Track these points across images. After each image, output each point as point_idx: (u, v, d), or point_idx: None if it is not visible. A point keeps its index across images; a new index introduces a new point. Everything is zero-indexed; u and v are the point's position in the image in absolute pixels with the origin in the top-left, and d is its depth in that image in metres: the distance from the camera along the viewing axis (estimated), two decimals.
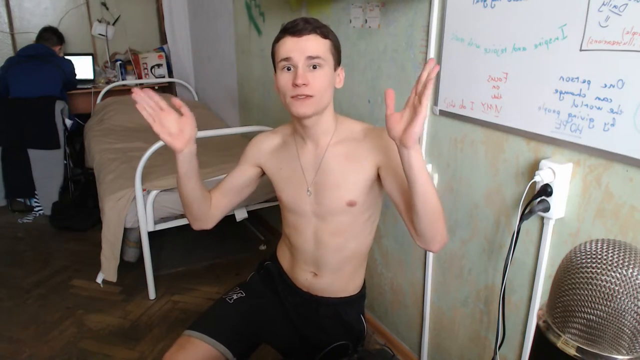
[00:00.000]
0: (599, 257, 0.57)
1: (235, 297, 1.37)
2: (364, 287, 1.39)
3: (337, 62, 1.17)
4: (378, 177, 1.18)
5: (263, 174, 1.34)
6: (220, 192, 1.32)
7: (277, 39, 1.13)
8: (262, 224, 3.09)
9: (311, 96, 1.10)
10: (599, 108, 1.05)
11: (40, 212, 3.30)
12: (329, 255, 1.27)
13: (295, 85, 1.08)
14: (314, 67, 1.10)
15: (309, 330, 1.35)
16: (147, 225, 2.21)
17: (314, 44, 1.09)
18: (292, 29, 1.10)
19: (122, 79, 4.03)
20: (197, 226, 1.32)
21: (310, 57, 1.09)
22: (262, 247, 2.84)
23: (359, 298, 1.38)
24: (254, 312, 1.35)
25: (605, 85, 1.03)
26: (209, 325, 1.29)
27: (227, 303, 1.36)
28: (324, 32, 1.12)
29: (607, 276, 0.56)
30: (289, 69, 1.10)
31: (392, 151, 1.11)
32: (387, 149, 1.15)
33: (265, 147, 1.31)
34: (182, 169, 1.16)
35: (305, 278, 1.32)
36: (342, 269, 1.30)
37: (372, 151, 1.17)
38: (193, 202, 1.25)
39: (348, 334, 1.35)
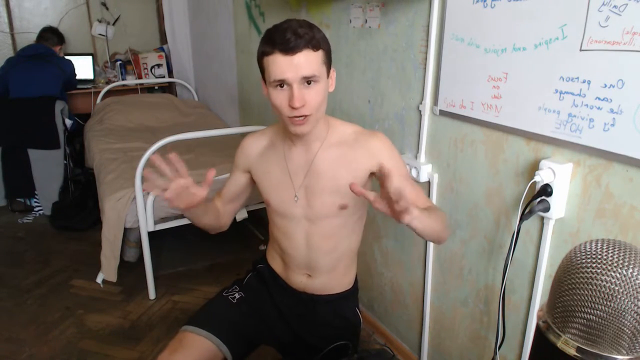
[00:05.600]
0: (599, 257, 0.57)
1: (237, 296, 1.37)
2: (356, 280, 1.40)
3: (330, 65, 1.11)
4: (368, 180, 1.21)
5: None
6: (223, 201, 1.37)
7: (266, 52, 1.05)
8: (262, 224, 3.09)
9: (309, 115, 1.08)
10: (599, 108, 1.05)
11: (40, 212, 3.30)
12: (321, 258, 1.27)
13: (292, 107, 1.05)
14: (309, 82, 1.06)
15: (306, 329, 1.35)
16: (147, 225, 2.21)
17: (307, 62, 1.03)
18: (282, 45, 1.02)
19: (122, 79, 4.03)
20: (214, 232, 1.38)
21: (305, 77, 1.04)
22: (262, 247, 2.84)
23: (354, 292, 1.39)
24: (253, 313, 1.35)
25: (605, 85, 1.03)
26: (212, 323, 1.28)
27: (230, 302, 1.35)
28: (315, 43, 1.04)
29: (607, 276, 0.56)
30: (282, 86, 1.06)
31: (384, 156, 1.17)
32: (379, 154, 1.17)
33: (252, 151, 1.29)
34: (191, 215, 1.21)
35: (299, 280, 1.32)
36: (335, 268, 1.31)
37: (364, 156, 1.18)
38: (206, 225, 1.32)
39: (345, 330, 1.36)
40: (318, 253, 1.26)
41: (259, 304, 1.37)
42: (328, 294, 1.33)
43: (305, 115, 1.07)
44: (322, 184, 1.19)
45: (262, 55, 1.07)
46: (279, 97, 1.07)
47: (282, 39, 1.02)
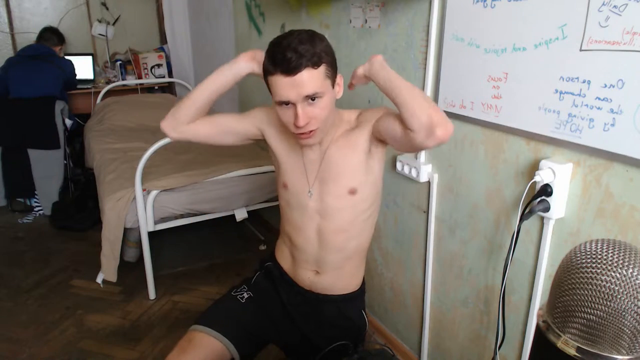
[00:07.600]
0: (599, 257, 0.57)
1: (246, 296, 1.37)
2: (363, 282, 1.41)
3: (335, 74, 1.12)
4: (370, 152, 1.21)
5: (258, 140, 1.32)
6: (208, 120, 1.30)
7: (269, 72, 1.06)
8: (262, 224, 3.09)
9: (315, 129, 1.11)
10: (599, 108, 1.05)
11: (40, 212, 3.30)
12: (331, 254, 1.28)
13: (297, 126, 1.08)
14: (313, 99, 1.07)
15: (311, 328, 1.35)
16: (147, 225, 2.21)
17: (309, 81, 1.03)
18: (283, 67, 1.02)
19: (122, 79, 4.03)
20: (165, 125, 1.27)
21: (308, 96, 1.05)
22: (262, 247, 2.84)
23: (360, 294, 1.40)
24: (261, 313, 1.36)
25: (605, 85, 1.03)
26: (221, 323, 1.29)
27: (239, 302, 1.36)
28: (317, 60, 1.03)
29: (607, 276, 0.56)
30: (287, 104, 1.07)
31: (372, 112, 1.21)
32: (370, 116, 1.20)
33: (275, 122, 1.28)
34: (219, 75, 1.27)
35: (307, 277, 1.33)
36: (343, 267, 1.31)
37: (363, 128, 1.20)
38: (192, 104, 1.26)
39: (350, 331, 1.36)
40: (328, 249, 1.27)
41: (266, 303, 1.38)
42: (334, 294, 1.33)
43: (312, 130, 1.10)
44: (333, 171, 1.22)
45: (265, 73, 1.08)
46: (285, 114, 1.10)
47: (283, 59, 1.02)
